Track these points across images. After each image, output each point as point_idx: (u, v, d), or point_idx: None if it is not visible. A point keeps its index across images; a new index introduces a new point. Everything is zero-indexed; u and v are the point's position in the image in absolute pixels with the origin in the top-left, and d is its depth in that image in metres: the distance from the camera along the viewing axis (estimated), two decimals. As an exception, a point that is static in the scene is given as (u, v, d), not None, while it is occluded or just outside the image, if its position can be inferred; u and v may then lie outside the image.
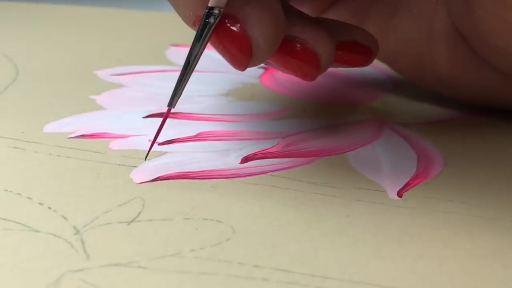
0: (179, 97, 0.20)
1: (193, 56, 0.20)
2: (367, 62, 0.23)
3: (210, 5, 0.19)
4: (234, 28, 0.20)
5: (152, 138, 0.23)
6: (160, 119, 0.25)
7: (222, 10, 0.19)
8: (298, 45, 0.21)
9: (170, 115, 0.25)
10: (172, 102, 0.20)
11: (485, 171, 0.22)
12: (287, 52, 0.21)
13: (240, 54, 0.20)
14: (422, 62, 0.25)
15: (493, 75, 0.24)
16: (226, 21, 0.20)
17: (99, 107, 0.26)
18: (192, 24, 0.21)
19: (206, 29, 0.20)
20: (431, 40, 0.25)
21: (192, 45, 0.20)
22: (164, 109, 0.26)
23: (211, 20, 0.19)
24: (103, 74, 0.30)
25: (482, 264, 0.17)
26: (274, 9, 0.20)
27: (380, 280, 0.16)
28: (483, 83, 0.25)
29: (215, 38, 0.20)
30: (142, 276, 0.16)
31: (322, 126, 0.25)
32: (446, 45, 0.25)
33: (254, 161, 0.22)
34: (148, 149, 0.21)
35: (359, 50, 0.23)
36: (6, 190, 0.20)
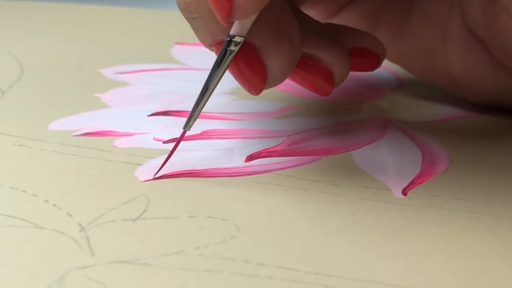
0: (194, 120, 0.20)
1: (212, 81, 0.20)
2: (374, 67, 0.23)
3: (231, 33, 0.19)
4: (251, 56, 0.20)
5: (156, 136, 0.23)
6: (162, 118, 0.25)
7: (243, 38, 0.19)
8: (313, 63, 0.21)
9: (175, 113, 0.26)
10: (187, 125, 0.20)
11: (490, 169, 0.22)
12: (302, 68, 0.21)
13: (255, 81, 0.20)
14: (435, 63, 0.25)
15: (507, 77, 0.24)
16: (244, 48, 0.20)
17: (104, 105, 0.26)
18: (209, 46, 0.21)
19: (227, 56, 0.20)
20: (445, 41, 0.25)
21: (211, 70, 0.20)
22: (168, 107, 0.26)
23: (232, 47, 0.19)
24: (108, 72, 0.30)
25: (487, 262, 0.17)
26: (291, 37, 0.20)
27: (384, 278, 0.16)
28: (496, 84, 0.25)
29: (232, 64, 0.20)
30: (147, 273, 0.16)
31: (327, 125, 0.25)
32: (460, 47, 0.24)
33: (259, 159, 0.22)
34: (161, 165, 0.21)
35: (368, 56, 0.23)
36: (11, 188, 0.20)
